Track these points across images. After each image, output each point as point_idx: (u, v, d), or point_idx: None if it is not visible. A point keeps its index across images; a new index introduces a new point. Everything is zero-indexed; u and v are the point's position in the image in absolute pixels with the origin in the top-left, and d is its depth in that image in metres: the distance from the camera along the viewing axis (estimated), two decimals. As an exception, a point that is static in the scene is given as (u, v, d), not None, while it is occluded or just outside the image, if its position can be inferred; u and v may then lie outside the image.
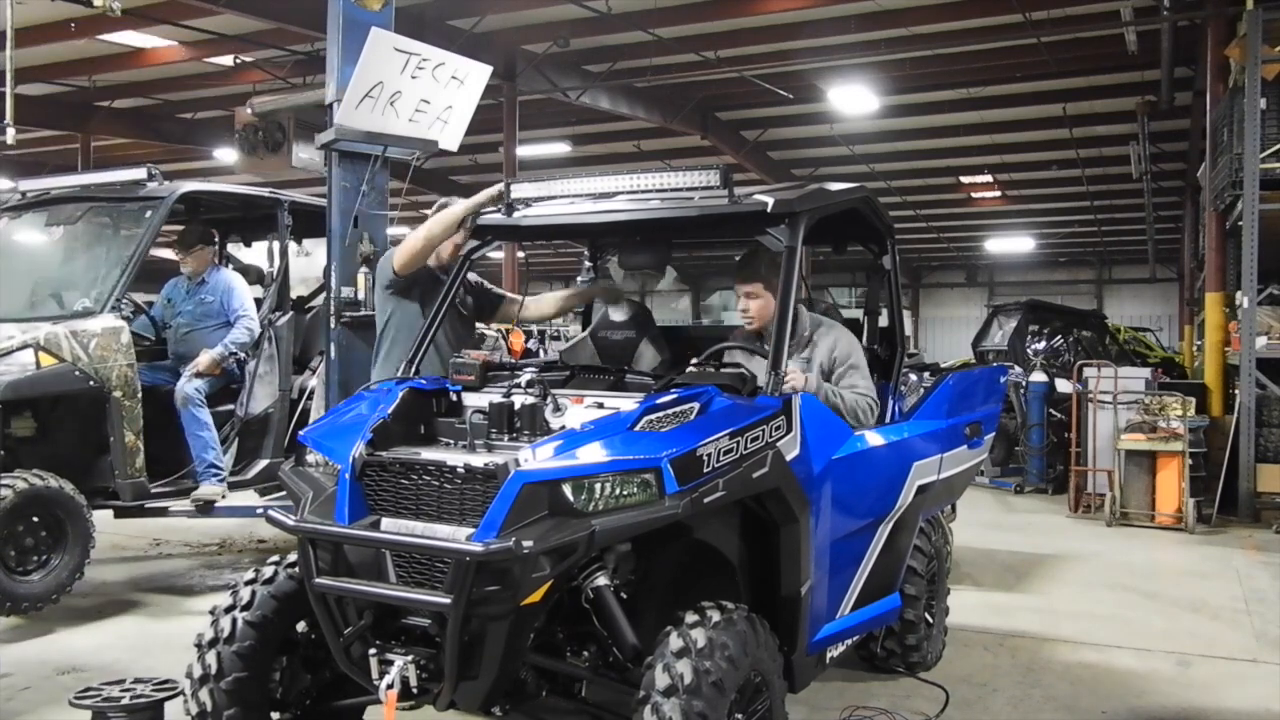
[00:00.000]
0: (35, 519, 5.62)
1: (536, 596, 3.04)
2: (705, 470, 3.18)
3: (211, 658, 3.46)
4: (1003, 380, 5.02)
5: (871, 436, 4.19)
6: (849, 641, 4.25)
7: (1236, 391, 10.07)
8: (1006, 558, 7.87)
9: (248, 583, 3.60)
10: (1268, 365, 9.91)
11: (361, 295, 6.09)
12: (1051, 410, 11.44)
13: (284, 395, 6.85)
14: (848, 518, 3.97)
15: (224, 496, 6.41)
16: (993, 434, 4.87)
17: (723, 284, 35.95)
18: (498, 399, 3.57)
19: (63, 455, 5.99)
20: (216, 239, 7.54)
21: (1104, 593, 6.86)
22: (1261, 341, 9.75)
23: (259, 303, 7.04)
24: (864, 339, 4.74)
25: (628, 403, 3.46)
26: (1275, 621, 6.19)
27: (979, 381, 4.94)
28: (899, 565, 4.49)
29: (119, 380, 5.92)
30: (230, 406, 6.70)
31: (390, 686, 3.13)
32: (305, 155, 6.72)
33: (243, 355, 6.64)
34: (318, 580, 3.24)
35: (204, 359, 6.47)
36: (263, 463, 6.71)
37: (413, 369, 4.19)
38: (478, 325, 9.33)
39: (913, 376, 5.21)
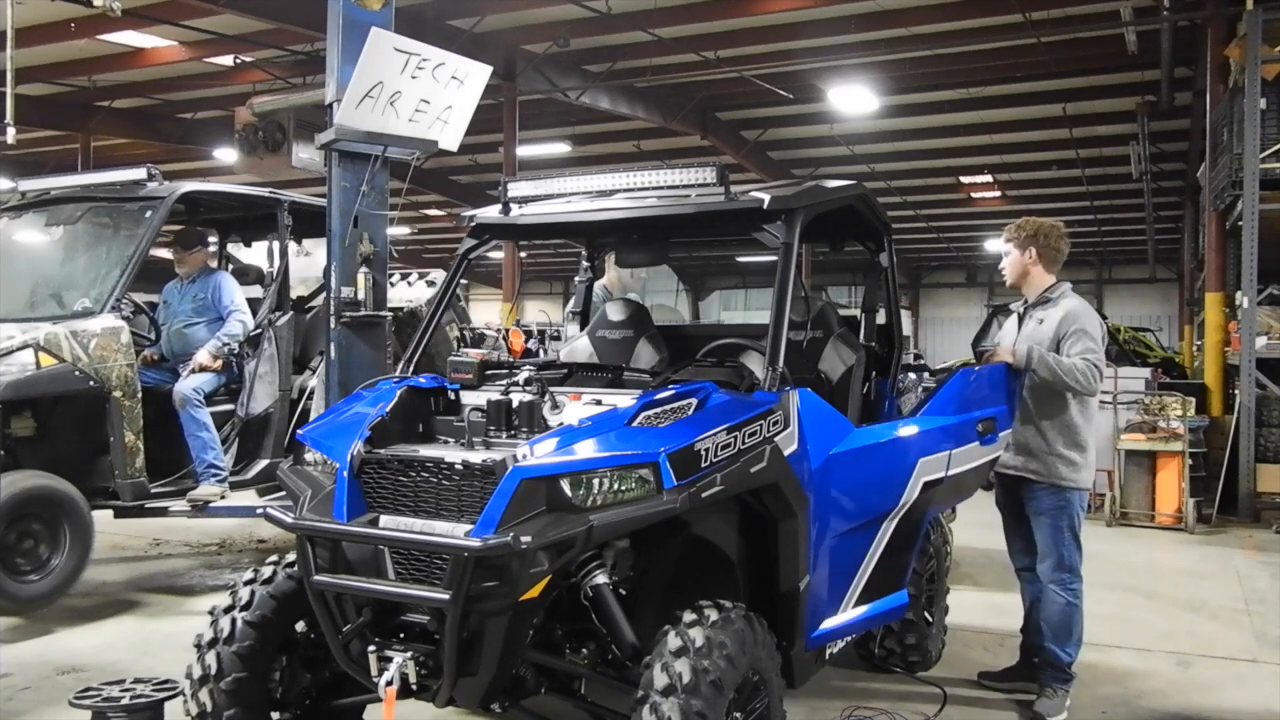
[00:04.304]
0: (35, 519, 5.62)
1: (535, 592, 3.04)
2: (703, 465, 3.18)
3: (211, 658, 3.46)
4: (1006, 376, 4.75)
5: (872, 432, 4.19)
6: (850, 637, 4.25)
7: (1236, 391, 10.07)
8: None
9: (247, 583, 3.61)
10: (1268, 365, 9.91)
11: (361, 295, 6.09)
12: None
13: (284, 395, 6.85)
14: (848, 513, 3.95)
15: (224, 496, 6.41)
16: (1008, 430, 4.69)
17: (721, 283, 36.05)
18: (496, 397, 3.57)
19: (63, 455, 5.99)
20: (211, 241, 7.56)
21: (1104, 593, 6.85)
22: (1261, 341, 9.76)
23: (259, 303, 7.05)
24: (861, 337, 4.75)
25: (625, 399, 3.46)
26: (1275, 621, 6.19)
27: (991, 377, 4.72)
28: (905, 562, 4.42)
29: (119, 380, 5.92)
30: (230, 406, 6.71)
31: (389, 683, 3.13)
32: (305, 155, 6.73)
33: (237, 348, 6.64)
34: (316, 578, 3.25)
35: (201, 354, 6.48)
36: (263, 463, 6.71)
37: (410, 368, 4.20)
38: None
39: (911, 375, 5.18)
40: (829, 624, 3.95)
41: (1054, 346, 4.56)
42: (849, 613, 4.09)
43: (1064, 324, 4.57)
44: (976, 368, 4.84)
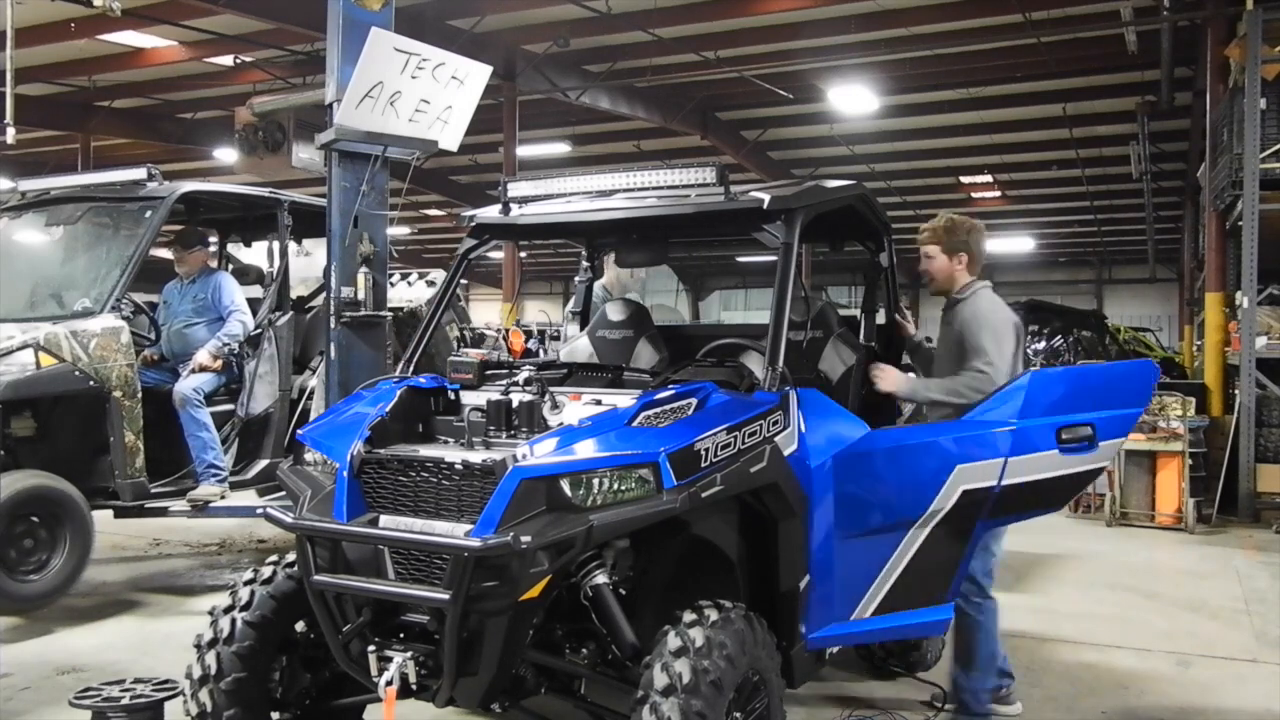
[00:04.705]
0: (35, 519, 5.62)
1: (535, 592, 3.04)
2: (703, 465, 3.19)
3: (211, 658, 3.46)
4: (1151, 378, 4.22)
5: (891, 434, 4.11)
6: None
7: (1236, 391, 10.07)
8: (1006, 558, 7.80)
9: (247, 583, 3.61)
10: (1268, 365, 9.90)
11: (361, 295, 6.09)
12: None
13: (284, 395, 6.85)
14: (859, 516, 3.86)
15: (224, 496, 6.40)
16: (1120, 439, 4.16)
17: (721, 283, 36.02)
18: (496, 397, 3.57)
19: (63, 455, 5.99)
20: (211, 241, 7.56)
21: (1104, 593, 6.85)
22: (1261, 341, 9.75)
23: (259, 303, 7.05)
24: (861, 337, 4.74)
25: (625, 399, 3.46)
26: (1275, 621, 6.19)
27: (1087, 380, 4.28)
28: (945, 574, 4.04)
29: (119, 380, 5.92)
30: (230, 406, 6.70)
31: (389, 683, 3.13)
32: (305, 155, 6.72)
33: (238, 348, 6.64)
34: (316, 578, 3.25)
35: (201, 354, 6.48)
36: (263, 463, 6.70)
37: (410, 368, 4.20)
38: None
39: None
40: (840, 629, 3.88)
41: (958, 347, 4.42)
42: (867, 620, 3.96)
43: (966, 325, 4.42)
44: (1079, 365, 4.69)
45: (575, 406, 3.54)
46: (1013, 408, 4.04)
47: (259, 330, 6.79)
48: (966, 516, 3.98)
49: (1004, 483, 3.97)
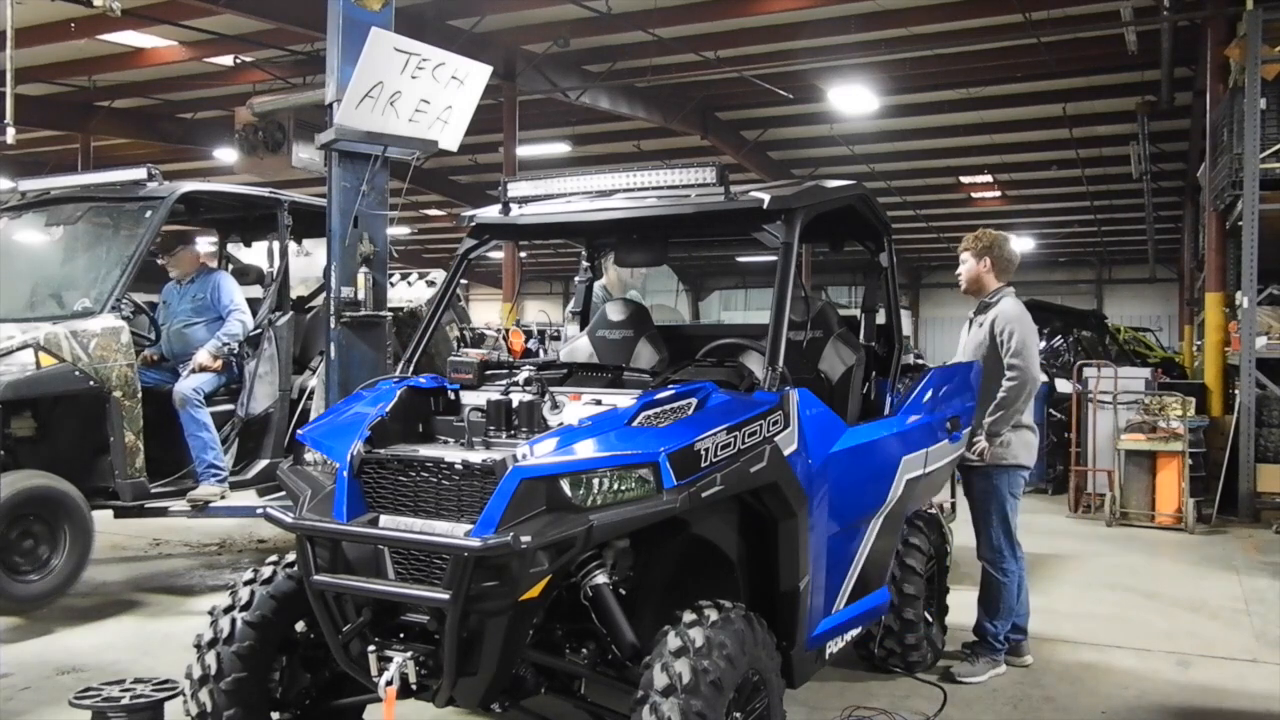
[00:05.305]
0: (35, 519, 5.62)
1: (535, 592, 3.04)
2: (703, 465, 3.19)
3: (211, 658, 3.47)
4: (973, 375, 5.11)
5: (865, 431, 4.21)
6: (847, 637, 4.26)
7: (1236, 391, 10.07)
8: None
9: (247, 583, 3.61)
10: (1268, 365, 9.91)
11: (361, 295, 6.10)
12: (1051, 410, 11.44)
13: (284, 395, 6.85)
14: (843, 512, 3.98)
15: (224, 496, 6.40)
16: (970, 429, 4.98)
17: (721, 283, 36.03)
18: (496, 397, 3.57)
19: (63, 455, 5.99)
20: (211, 241, 7.56)
21: (1104, 593, 6.86)
22: (1261, 341, 9.76)
23: (259, 303, 7.05)
24: (861, 337, 4.75)
25: (625, 399, 3.46)
26: (1275, 621, 6.19)
27: (957, 376, 5.03)
28: (888, 560, 4.56)
29: (119, 380, 5.92)
30: (230, 406, 6.70)
31: (389, 683, 3.13)
32: (305, 155, 6.72)
33: (237, 348, 6.64)
34: (316, 578, 3.25)
35: (201, 355, 6.48)
36: (263, 463, 6.71)
37: (410, 368, 4.20)
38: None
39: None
40: (827, 622, 3.97)
41: (990, 343, 5.07)
42: (842, 611, 4.12)
43: (997, 324, 5.06)
44: (946, 365, 5.15)
45: (575, 406, 3.54)
46: (923, 403, 4.67)
47: (259, 330, 6.79)
48: (904, 505, 4.54)
49: (926, 471, 4.63)
